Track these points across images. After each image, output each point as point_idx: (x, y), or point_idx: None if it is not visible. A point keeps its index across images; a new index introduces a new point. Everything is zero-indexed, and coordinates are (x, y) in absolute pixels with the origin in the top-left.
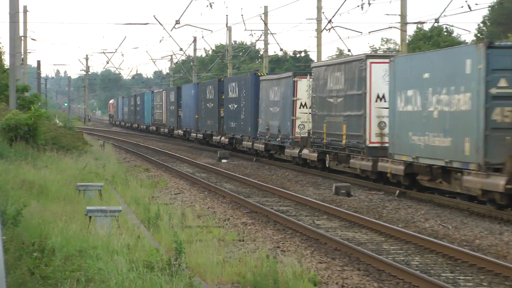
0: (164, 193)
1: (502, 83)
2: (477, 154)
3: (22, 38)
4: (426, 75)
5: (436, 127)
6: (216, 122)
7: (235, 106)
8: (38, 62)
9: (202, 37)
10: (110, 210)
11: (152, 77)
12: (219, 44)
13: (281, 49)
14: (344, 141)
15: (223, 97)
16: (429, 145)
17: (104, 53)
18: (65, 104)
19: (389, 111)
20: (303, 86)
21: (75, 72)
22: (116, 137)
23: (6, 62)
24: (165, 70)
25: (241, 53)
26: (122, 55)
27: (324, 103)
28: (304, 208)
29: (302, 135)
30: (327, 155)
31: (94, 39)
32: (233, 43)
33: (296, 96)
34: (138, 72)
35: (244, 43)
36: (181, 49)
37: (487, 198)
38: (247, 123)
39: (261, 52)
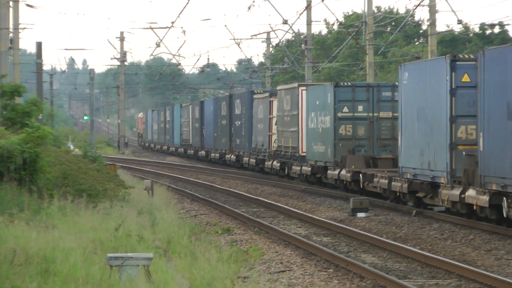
0: (258, 271)
1: (345, 109)
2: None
3: (11, 2)
4: (317, 102)
5: (319, 139)
6: (228, 140)
7: (239, 123)
8: (39, 45)
9: (322, 0)
10: None
11: (235, 69)
12: (351, 13)
13: (459, 22)
14: (290, 152)
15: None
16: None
17: (152, 29)
18: (85, 118)
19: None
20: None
21: (101, 62)
22: (173, 173)
23: None
24: (258, 58)
25: (388, 28)
26: (183, 32)
27: (282, 120)
28: None
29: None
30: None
31: (133, 6)
32: (375, 11)
33: (271, 114)
34: (211, 62)
35: (394, 10)
36: (285, 22)
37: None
38: (246, 140)
39: (424, 27)
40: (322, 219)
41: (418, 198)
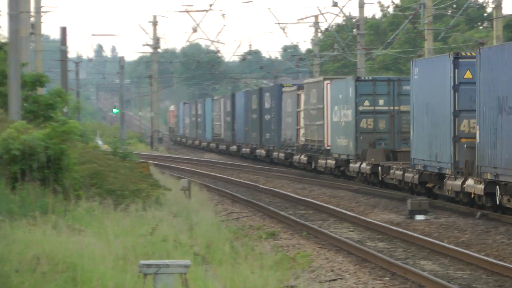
0: (306, 279)
1: (366, 103)
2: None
3: None
4: (340, 96)
5: (342, 132)
6: (258, 134)
7: (269, 117)
8: (63, 31)
9: None
10: None
11: (280, 57)
12: None
13: None
14: (316, 145)
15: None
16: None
17: (187, 12)
18: (115, 111)
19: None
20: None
21: (132, 49)
22: (212, 172)
23: (3, 30)
24: (305, 44)
25: (449, 11)
26: (223, 16)
27: (309, 114)
28: None
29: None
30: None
31: None
32: None
33: (299, 108)
34: (253, 49)
35: None
36: (335, 4)
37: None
38: (275, 134)
39: (489, 10)
40: (376, 222)
41: (428, 189)
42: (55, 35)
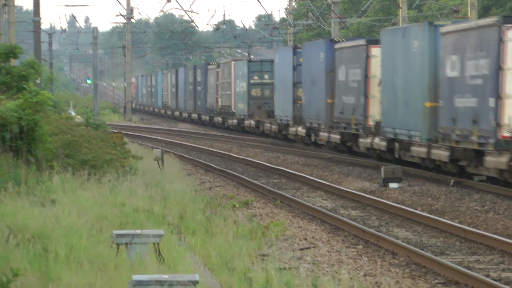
0: (280, 248)
1: (255, 77)
2: None
3: None
4: (240, 73)
5: (241, 99)
6: (193, 102)
7: (200, 88)
8: (36, 2)
9: None
10: (177, 280)
11: (254, 26)
12: None
13: None
14: (227, 109)
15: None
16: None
17: None
18: (88, 82)
19: None
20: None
21: (105, 19)
22: (186, 142)
23: None
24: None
25: None
26: None
27: (223, 86)
28: None
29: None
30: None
31: None
32: None
33: (218, 81)
34: (227, 18)
35: None
36: None
37: None
38: (203, 102)
39: None
40: (350, 190)
41: (284, 134)
42: (29, 6)
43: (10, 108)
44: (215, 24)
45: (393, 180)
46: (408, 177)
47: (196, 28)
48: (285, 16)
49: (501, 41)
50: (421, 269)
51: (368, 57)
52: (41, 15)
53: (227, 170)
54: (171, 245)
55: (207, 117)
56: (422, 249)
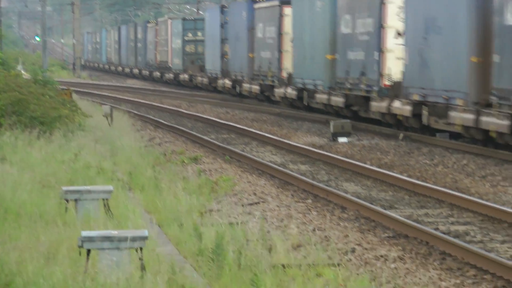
0: (229, 203)
1: (189, 35)
2: None
3: None
4: (176, 31)
5: (177, 55)
6: (134, 58)
7: (140, 45)
8: None
9: None
10: (126, 236)
11: None
12: None
13: None
14: (164, 64)
15: None
16: (175, 63)
17: None
18: (37, 39)
19: None
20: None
21: None
22: (135, 98)
23: None
24: None
25: None
26: None
27: (161, 43)
28: None
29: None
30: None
31: None
32: None
33: (157, 38)
34: None
35: None
36: None
37: None
38: (143, 58)
39: None
40: (299, 145)
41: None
42: None
43: None
44: None
45: (342, 135)
46: (358, 131)
47: None
48: None
49: (382, 3)
50: (370, 223)
51: (281, 16)
52: None
53: (176, 126)
54: (120, 201)
55: (147, 72)
56: (371, 203)
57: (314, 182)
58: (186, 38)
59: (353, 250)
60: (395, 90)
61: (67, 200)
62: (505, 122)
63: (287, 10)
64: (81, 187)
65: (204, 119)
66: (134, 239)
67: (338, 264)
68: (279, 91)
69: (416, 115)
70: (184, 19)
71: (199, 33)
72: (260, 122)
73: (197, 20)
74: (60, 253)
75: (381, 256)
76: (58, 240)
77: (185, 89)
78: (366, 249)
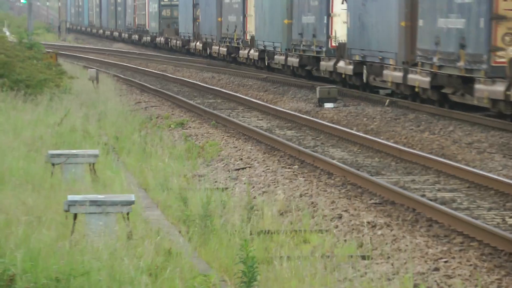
0: (215, 168)
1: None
2: None
3: None
4: None
5: (153, 19)
6: (114, 21)
7: (120, 8)
8: None
9: None
10: (112, 201)
11: None
12: None
13: None
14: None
15: None
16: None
17: None
18: (23, 1)
19: None
20: None
21: None
22: (121, 62)
23: None
24: None
25: None
26: None
27: (139, 7)
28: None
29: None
30: None
31: None
32: None
33: (135, 3)
34: None
35: None
36: None
37: None
38: (123, 21)
39: None
40: (285, 110)
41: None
42: None
43: None
44: None
45: (329, 100)
46: (344, 97)
47: None
48: None
49: None
50: (357, 189)
51: None
52: None
53: (162, 90)
54: (106, 166)
55: (126, 35)
56: (358, 169)
57: (301, 148)
58: (162, 3)
59: (340, 217)
60: (341, 51)
61: (53, 164)
62: (427, 79)
63: None
64: (67, 150)
65: (189, 83)
66: (120, 203)
67: (325, 231)
68: (243, 53)
69: (358, 73)
70: None
71: None
72: (245, 87)
73: None
74: (46, 217)
75: (368, 222)
76: (45, 204)
77: (170, 54)
78: (353, 215)
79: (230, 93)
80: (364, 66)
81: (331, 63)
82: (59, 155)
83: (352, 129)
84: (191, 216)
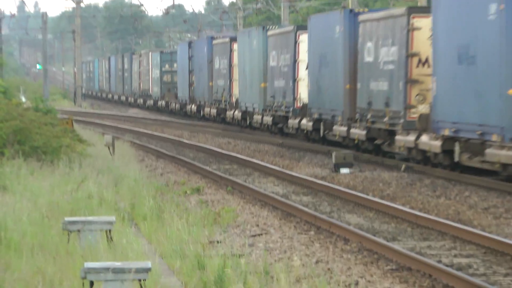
0: (231, 234)
1: (166, 66)
2: None
3: None
4: (155, 62)
5: (155, 84)
6: (122, 86)
7: (126, 74)
8: None
9: None
10: (129, 268)
11: (203, 11)
12: None
13: None
14: (147, 92)
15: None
16: (154, 91)
17: None
18: (38, 67)
19: None
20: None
21: (55, 4)
22: (136, 127)
23: None
24: None
25: None
26: None
27: (143, 73)
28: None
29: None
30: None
31: None
32: None
33: (140, 68)
34: (176, 2)
35: None
36: None
37: None
38: (129, 86)
39: None
40: (301, 176)
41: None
42: None
43: None
44: (164, 9)
45: (344, 165)
46: (360, 162)
47: (146, 12)
48: (234, 0)
49: (296, 42)
50: (373, 255)
51: (231, 51)
52: None
53: (178, 156)
54: (122, 232)
55: (132, 99)
56: (374, 235)
57: (317, 214)
58: (163, 69)
59: (356, 283)
60: (304, 110)
61: (69, 231)
62: (363, 132)
63: (235, 46)
64: (83, 217)
65: (205, 149)
66: (137, 270)
67: None
68: (229, 113)
69: (316, 129)
70: (161, 52)
71: (175, 65)
72: (261, 153)
73: (172, 53)
74: (64, 285)
75: None
76: (62, 271)
77: (186, 119)
78: (369, 281)
79: (246, 158)
80: (322, 123)
81: (296, 121)
82: (75, 222)
83: (368, 195)
84: (207, 283)
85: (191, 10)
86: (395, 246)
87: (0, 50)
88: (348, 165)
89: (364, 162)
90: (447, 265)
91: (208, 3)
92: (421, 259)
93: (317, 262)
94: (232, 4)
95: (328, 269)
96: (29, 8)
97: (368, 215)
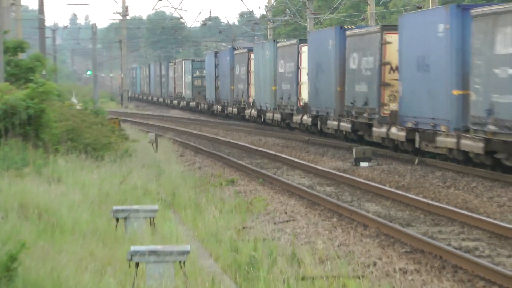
0: (262, 221)
1: (197, 73)
2: None
3: None
4: (188, 69)
5: (188, 87)
6: (160, 89)
7: (164, 80)
8: (41, 1)
9: None
10: (170, 251)
11: (237, 22)
12: None
13: None
14: (180, 95)
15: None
16: (187, 94)
17: None
18: (89, 73)
19: None
20: None
21: (103, 17)
22: (177, 126)
23: None
24: (260, 10)
25: None
26: None
27: (178, 78)
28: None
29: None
30: None
31: None
32: None
33: (175, 74)
34: (213, 15)
35: None
36: None
37: None
38: (166, 89)
39: None
40: (325, 169)
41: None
42: (34, 5)
43: (19, 97)
44: (202, 21)
45: (364, 160)
46: (377, 157)
47: (185, 24)
48: (265, 13)
49: (299, 53)
50: (389, 239)
51: (249, 59)
52: (45, 13)
53: (215, 152)
54: (165, 219)
55: (169, 101)
56: (391, 221)
57: (339, 203)
58: (194, 75)
59: (375, 264)
60: (305, 108)
61: (117, 218)
62: (349, 125)
63: (252, 55)
64: (130, 206)
65: (239, 145)
66: (177, 253)
67: (361, 276)
68: (248, 112)
69: (314, 124)
70: (193, 61)
71: (204, 71)
72: (289, 148)
73: (202, 61)
74: (111, 266)
75: (400, 269)
76: (110, 255)
77: (221, 119)
78: (386, 262)
79: (276, 154)
80: (319, 118)
81: (299, 117)
82: (122, 211)
83: (385, 186)
84: (241, 264)
85: (226, 22)
86: (409, 231)
87: (54, 58)
88: (367, 159)
89: (382, 157)
90: (456, 248)
91: (241, 16)
92: (432, 243)
93: (339, 245)
94: (263, 16)
95: (349, 251)
96: (80, 20)
97: (385, 204)
